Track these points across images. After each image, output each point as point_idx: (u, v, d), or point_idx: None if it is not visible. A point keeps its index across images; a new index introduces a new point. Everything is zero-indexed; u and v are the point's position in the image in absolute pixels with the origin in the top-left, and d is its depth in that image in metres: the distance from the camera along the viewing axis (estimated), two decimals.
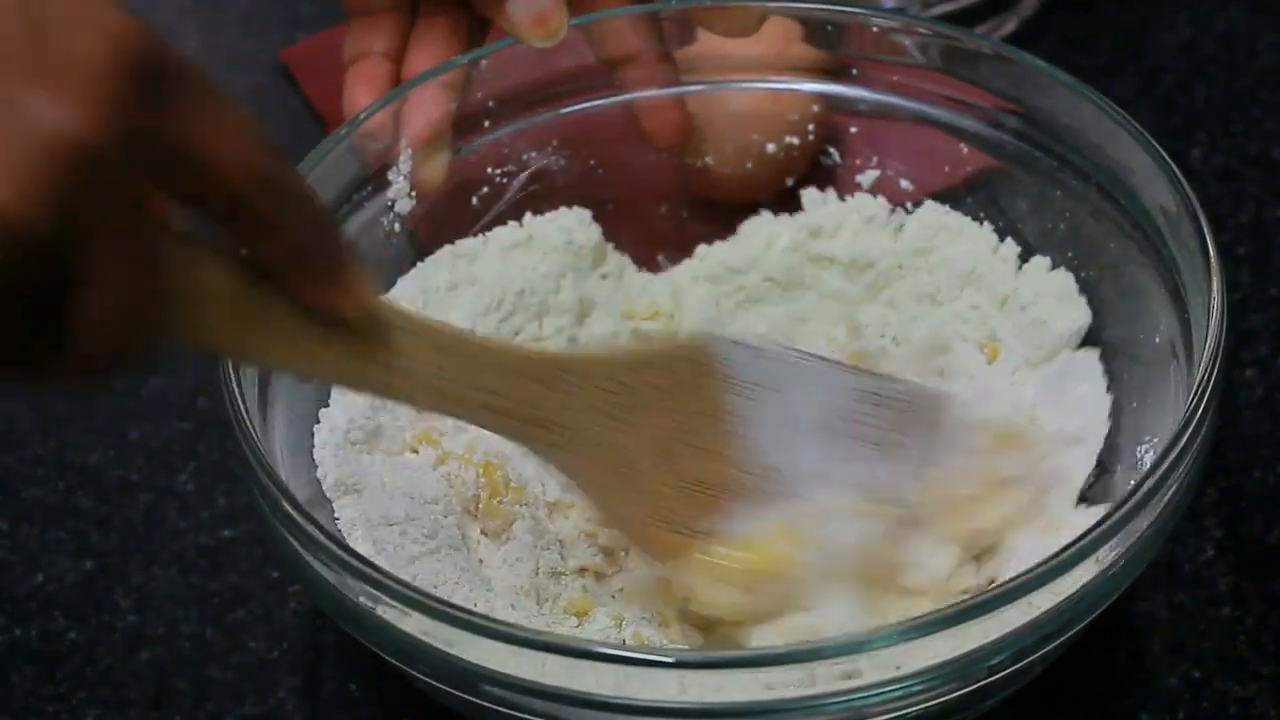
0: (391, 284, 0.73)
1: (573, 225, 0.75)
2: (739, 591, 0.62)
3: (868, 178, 0.77)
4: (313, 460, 0.67)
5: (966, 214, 0.75)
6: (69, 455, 0.77)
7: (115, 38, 0.48)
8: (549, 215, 0.76)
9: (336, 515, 0.66)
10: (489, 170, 0.76)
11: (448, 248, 0.74)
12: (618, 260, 0.76)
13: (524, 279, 0.74)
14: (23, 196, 0.45)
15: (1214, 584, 0.70)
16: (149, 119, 0.48)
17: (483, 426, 0.61)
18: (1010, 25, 0.92)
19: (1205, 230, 0.64)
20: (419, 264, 0.74)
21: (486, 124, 0.76)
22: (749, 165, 0.78)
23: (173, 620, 0.71)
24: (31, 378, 0.49)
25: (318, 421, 0.68)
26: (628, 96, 0.76)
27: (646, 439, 0.62)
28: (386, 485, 0.67)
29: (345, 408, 0.69)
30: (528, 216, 0.75)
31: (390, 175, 0.73)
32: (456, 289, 0.73)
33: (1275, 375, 0.78)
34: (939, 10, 0.90)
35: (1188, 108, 0.90)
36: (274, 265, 0.53)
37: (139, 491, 0.76)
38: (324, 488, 0.67)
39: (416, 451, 0.69)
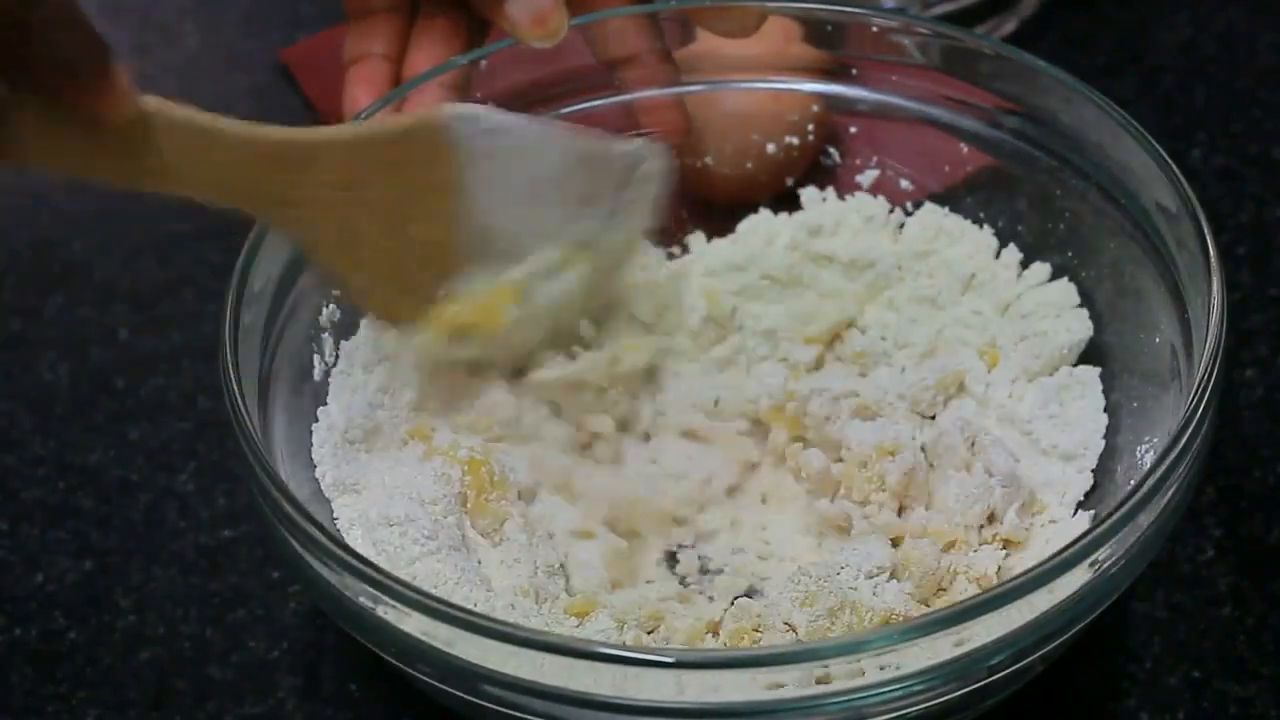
0: None
1: None
2: (447, 341, 0.69)
3: (868, 178, 0.77)
4: (311, 460, 0.67)
5: (966, 214, 0.75)
6: (69, 455, 0.77)
7: None
8: None
9: (335, 515, 0.66)
10: None
11: None
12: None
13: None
14: None
15: (1214, 584, 0.70)
16: None
17: (225, 204, 0.63)
18: (1010, 25, 0.92)
19: (1205, 230, 0.64)
20: None
21: None
22: (749, 165, 0.78)
23: (173, 620, 0.71)
24: None
25: (316, 420, 0.69)
26: (628, 96, 0.76)
27: (377, 212, 0.66)
28: (386, 485, 0.67)
29: (344, 407, 0.69)
30: None
31: None
32: None
33: (1275, 375, 0.78)
34: (939, 10, 0.90)
35: (1188, 108, 0.90)
36: (33, 70, 0.53)
37: (139, 491, 0.76)
38: (322, 487, 0.67)
39: (407, 443, 0.69)
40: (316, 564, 0.59)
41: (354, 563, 0.58)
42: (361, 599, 0.58)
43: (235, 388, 0.62)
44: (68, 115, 0.55)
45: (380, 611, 0.58)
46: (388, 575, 0.57)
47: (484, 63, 0.74)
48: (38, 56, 0.53)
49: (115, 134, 0.57)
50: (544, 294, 0.70)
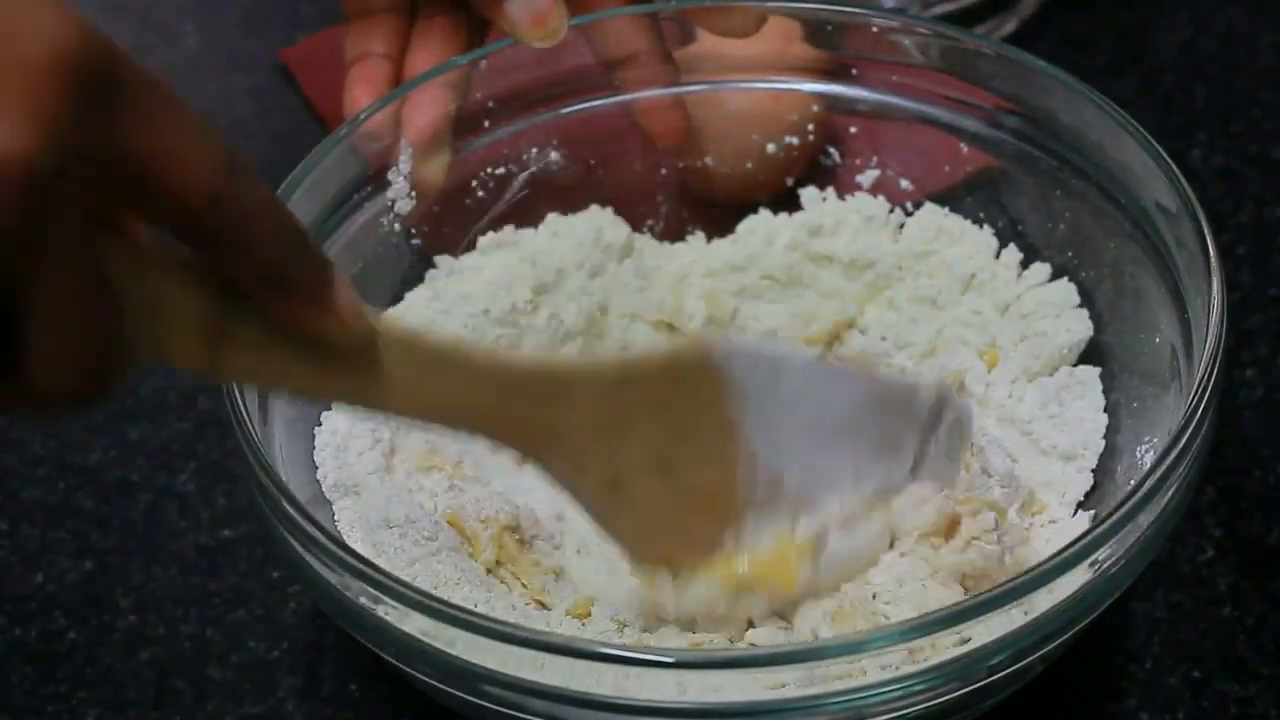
0: (395, 284, 0.73)
1: (604, 223, 0.76)
2: (725, 592, 0.62)
3: (868, 178, 0.77)
4: (313, 461, 0.67)
5: (966, 214, 0.75)
6: (69, 455, 0.77)
7: (57, 41, 0.43)
8: (580, 215, 0.76)
9: (336, 517, 0.66)
10: (489, 170, 0.76)
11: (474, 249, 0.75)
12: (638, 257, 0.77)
13: (552, 270, 0.74)
14: None
15: (1214, 584, 0.70)
16: (95, 133, 0.44)
17: (478, 435, 0.59)
18: (1010, 25, 0.92)
19: (1205, 230, 0.64)
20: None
21: (486, 124, 0.76)
22: (749, 165, 0.78)
23: (173, 620, 0.71)
24: None
25: (319, 424, 0.69)
26: (628, 96, 0.76)
27: (643, 451, 0.60)
28: (386, 487, 0.67)
29: (348, 415, 0.69)
30: (553, 215, 0.76)
31: (390, 175, 0.73)
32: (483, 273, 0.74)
33: (1275, 375, 0.78)
34: (939, 10, 0.90)
35: (1188, 108, 0.90)
36: (243, 283, 0.50)
37: (139, 491, 0.76)
38: (324, 489, 0.67)
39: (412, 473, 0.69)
40: (317, 564, 0.59)
41: (354, 563, 0.58)
42: (362, 599, 0.58)
43: (236, 388, 0.62)
44: (287, 333, 0.51)
45: (380, 612, 0.58)
46: (388, 575, 0.57)
47: (484, 63, 0.74)
48: (240, 266, 0.49)
49: (341, 353, 0.52)
50: (838, 549, 0.62)
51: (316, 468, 0.67)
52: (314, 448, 0.68)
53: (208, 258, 0.49)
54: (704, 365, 0.61)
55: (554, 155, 0.77)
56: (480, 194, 0.76)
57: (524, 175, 0.77)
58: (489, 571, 0.66)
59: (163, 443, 0.78)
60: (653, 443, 0.60)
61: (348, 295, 0.51)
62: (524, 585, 0.66)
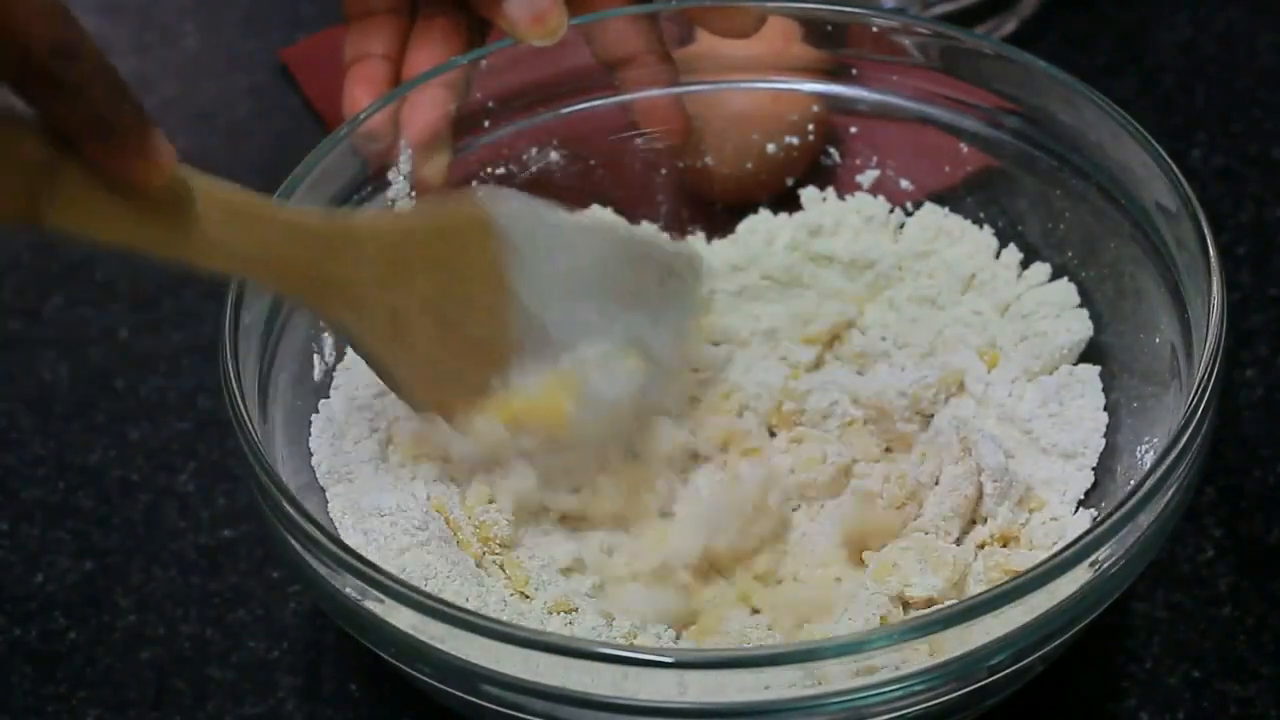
0: None
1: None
2: (506, 429, 0.67)
3: (868, 178, 0.77)
4: (308, 449, 0.67)
5: (966, 214, 0.75)
6: (69, 455, 0.77)
7: None
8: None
9: (329, 504, 0.66)
10: (489, 170, 0.76)
11: None
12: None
13: None
14: None
15: (1214, 584, 0.70)
16: None
17: (269, 286, 0.64)
18: (1010, 25, 0.92)
19: (1205, 230, 0.64)
20: None
21: (486, 124, 0.76)
22: (749, 165, 0.78)
23: (173, 620, 0.71)
24: None
25: (316, 411, 0.69)
26: (628, 97, 0.76)
27: (420, 301, 0.65)
28: (377, 474, 0.67)
29: (345, 403, 0.69)
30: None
31: (390, 175, 0.73)
32: None
33: (1275, 375, 0.78)
34: (939, 10, 0.90)
35: (1188, 108, 0.90)
36: (72, 132, 0.54)
37: (139, 491, 0.76)
38: (318, 475, 0.67)
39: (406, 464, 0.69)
40: (317, 565, 0.59)
41: (357, 565, 0.58)
42: (366, 602, 0.58)
43: (235, 387, 0.62)
44: (107, 182, 0.55)
45: (380, 612, 0.58)
46: (387, 575, 0.57)
47: (484, 63, 0.74)
48: (73, 115, 0.53)
49: (155, 204, 0.57)
50: (600, 389, 0.68)
51: (311, 454, 0.67)
52: (310, 435, 0.68)
53: (41, 106, 0.53)
54: (475, 222, 0.66)
55: (554, 155, 0.77)
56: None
57: (524, 175, 0.77)
58: (478, 564, 0.66)
59: (163, 443, 0.78)
60: (429, 294, 0.65)
61: (165, 146, 0.55)
62: (508, 577, 0.66)
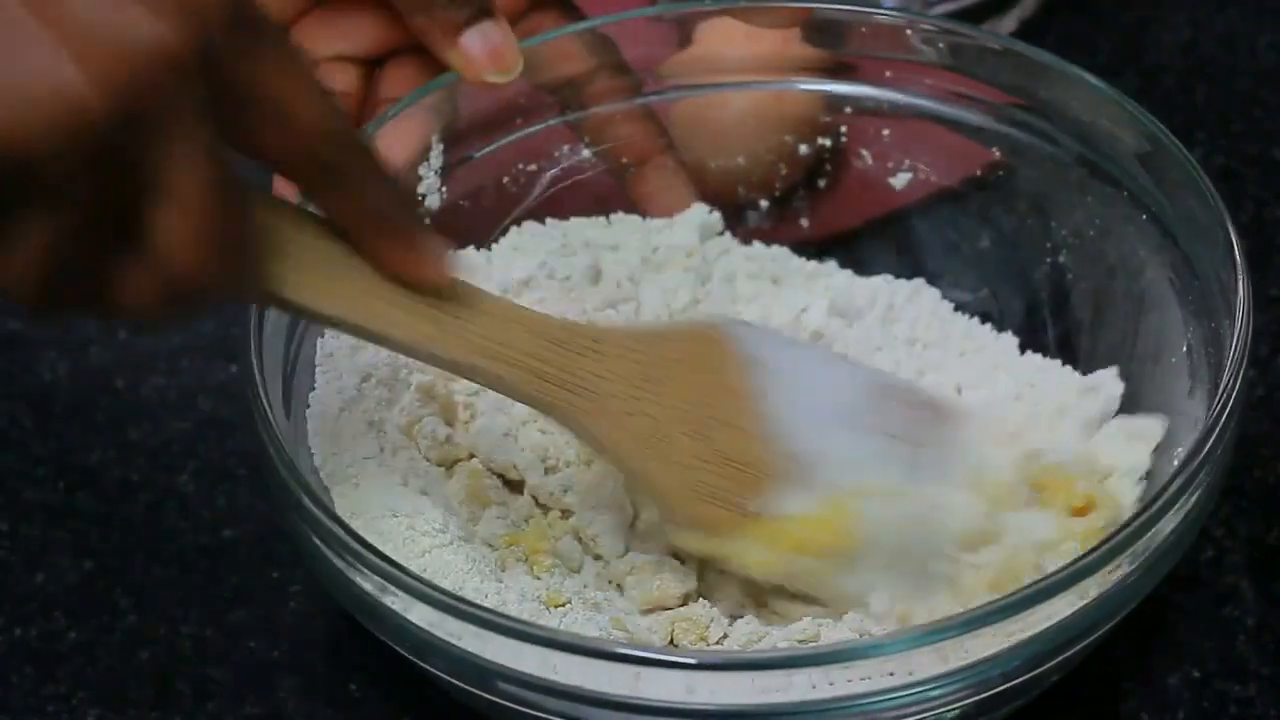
0: None
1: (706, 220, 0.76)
2: (792, 556, 0.62)
3: (871, 176, 0.77)
4: (309, 449, 0.67)
5: (972, 213, 0.75)
6: (69, 455, 0.77)
7: None
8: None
9: (335, 502, 0.66)
10: (519, 166, 0.75)
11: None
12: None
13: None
14: (93, 84, 0.47)
15: (1214, 584, 0.70)
16: (231, 52, 0.49)
17: (522, 394, 0.61)
18: (1010, 25, 0.92)
19: (1233, 236, 0.64)
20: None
21: (519, 120, 0.75)
22: (749, 165, 0.78)
23: (173, 620, 0.71)
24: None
25: (309, 406, 0.68)
26: (651, 99, 0.75)
27: (676, 411, 0.62)
28: (382, 471, 0.66)
29: (336, 394, 0.68)
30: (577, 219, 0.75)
31: (421, 171, 0.72)
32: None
33: (1275, 375, 0.78)
34: (939, 10, 0.90)
35: (1188, 108, 0.90)
36: (350, 225, 0.54)
37: (139, 491, 0.76)
38: (322, 476, 0.66)
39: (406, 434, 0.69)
40: (336, 559, 0.59)
41: (376, 560, 0.57)
42: (388, 599, 0.58)
43: (260, 383, 0.62)
44: (364, 269, 0.56)
45: (402, 610, 0.57)
46: (410, 574, 0.57)
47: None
48: (348, 202, 0.54)
49: (409, 296, 0.57)
50: (882, 518, 0.62)
51: (313, 455, 0.67)
52: (308, 433, 0.68)
53: (319, 198, 0.55)
54: (719, 336, 0.64)
55: (584, 153, 0.76)
56: (511, 190, 0.75)
57: (552, 172, 0.76)
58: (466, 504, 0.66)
59: (163, 443, 0.78)
60: (682, 403, 0.62)
61: (437, 243, 0.57)
62: (531, 565, 0.66)
